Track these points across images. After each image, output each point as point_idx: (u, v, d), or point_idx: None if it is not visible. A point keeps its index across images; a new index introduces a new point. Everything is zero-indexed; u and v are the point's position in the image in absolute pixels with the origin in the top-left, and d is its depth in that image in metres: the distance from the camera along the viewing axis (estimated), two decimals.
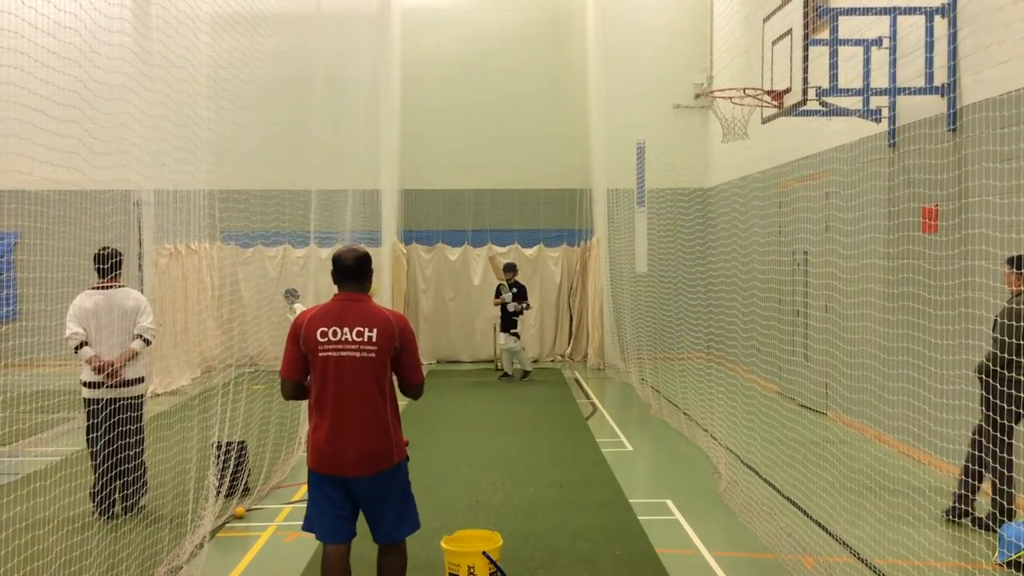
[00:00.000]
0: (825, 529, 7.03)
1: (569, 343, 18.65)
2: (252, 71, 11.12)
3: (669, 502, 7.98)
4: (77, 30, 6.37)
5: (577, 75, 18.18)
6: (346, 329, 4.72)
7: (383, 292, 15.79)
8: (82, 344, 7.32)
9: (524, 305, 15.84)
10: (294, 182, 14.66)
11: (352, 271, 4.89)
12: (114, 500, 7.40)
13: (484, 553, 5.61)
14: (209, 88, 10.33)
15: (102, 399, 7.30)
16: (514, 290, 15.84)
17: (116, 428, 7.19)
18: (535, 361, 18.24)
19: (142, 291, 12.80)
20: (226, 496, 7.62)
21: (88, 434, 7.38)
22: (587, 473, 9.10)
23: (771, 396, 12.92)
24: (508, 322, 15.68)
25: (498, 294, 15.84)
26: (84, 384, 7.42)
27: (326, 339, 4.72)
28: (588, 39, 17.87)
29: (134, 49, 8.34)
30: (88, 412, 7.40)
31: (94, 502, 7.35)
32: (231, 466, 7.78)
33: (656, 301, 15.72)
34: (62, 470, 7.14)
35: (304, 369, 4.81)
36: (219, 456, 7.67)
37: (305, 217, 14.40)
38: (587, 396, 14.28)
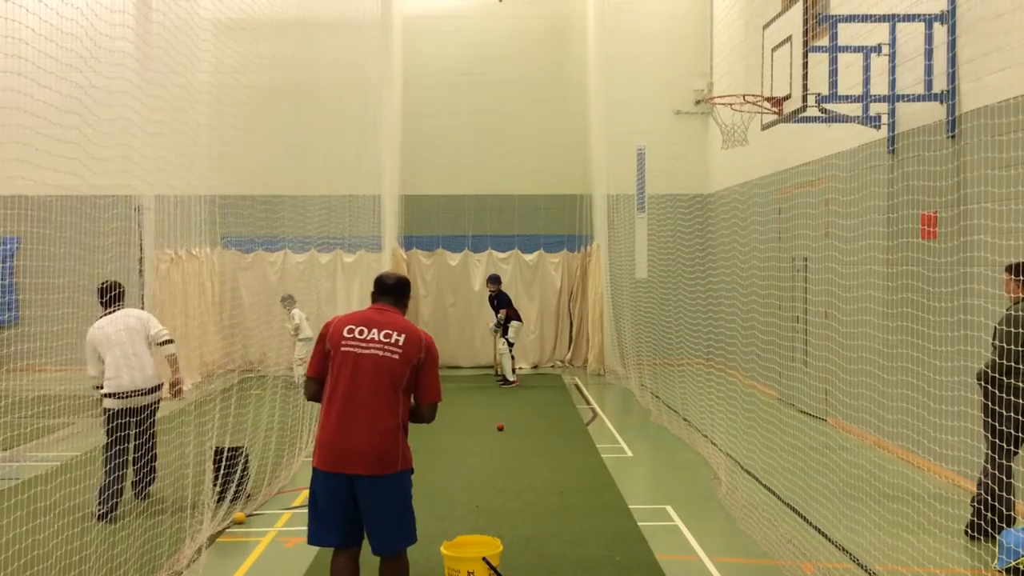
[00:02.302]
0: (825, 535, 7.03)
1: (569, 349, 18.66)
2: (253, 77, 11.14)
3: (669, 508, 7.98)
4: (79, 36, 6.38)
5: (577, 81, 18.21)
6: (374, 330, 4.84)
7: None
8: (99, 387, 7.78)
9: (499, 320, 15.94)
10: (295, 187, 14.67)
11: (391, 288, 5.09)
12: (116, 503, 7.45)
13: (484, 559, 5.62)
14: (210, 94, 10.35)
15: (124, 408, 7.63)
16: (495, 301, 16.03)
17: (136, 431, 7.73)
18: (535, 367, 18.28)
19: (142, 297, 12.84)
20: (228, 501, 7.62)
21: (109, 437, 7.56)
22: (587, 479, 9.09)
23: (771, 402, 12.92)
24: (504, 329, 15.95)
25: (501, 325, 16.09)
26: (108, 395, 7.67)
27: (351, 335, 4.83)
28: (589, 45, 17.91)
29: (135, 55, 8.38)
30: (108, 418, 7.60)
31: (100, 500, 7.41)
32: (231, 471, 7.79)
33: (656, 307, 15.73)
34: (62, 475, 7.14)
35: (327, 367, 4.88)
36: (219, 461, 7.67)
37: (306, 222, 14.44)
38: (587, 402, 14.28)
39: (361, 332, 4.84)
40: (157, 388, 7.96)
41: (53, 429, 10.16)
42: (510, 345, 15.87)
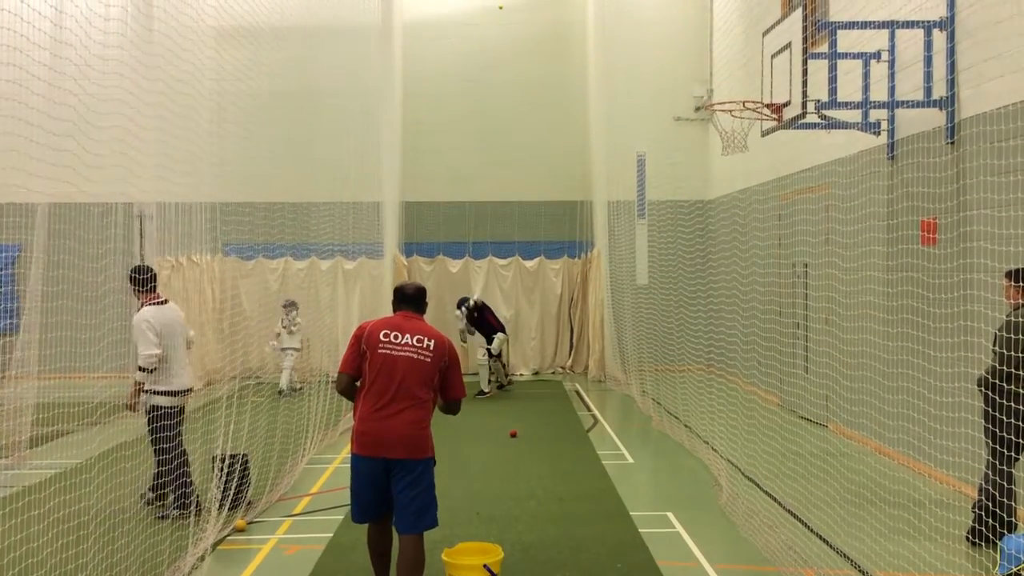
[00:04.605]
0: (826, 541, 7.02)
1: (570, 355, 18.66)
2: (254, 84, 11.15)
3: (670, 514, 7.98)
4: (74, 46, 6.40)
5: (578, 88, 18.25)
6: (407, 335, 5.55)
7: (387, 304, 15.76)
8: (151, 370, 7.58)
9: (463, 316, 15.75)
10: (296, 194, 14.69)
11: (412, 298, 5.81)
12: (194, 499, 7.50)
13: (485, 566, 5.62)
14: (212, 101, 10.36)
15: (175, 407, 7.75)
16: (464, 317, 15.80)
17: (180, 428, 7.84)
18: (536, 373, 18.28)
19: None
20: (229, 509, 7.60)
21: (164, 432, 7.54)
22: (588, 485, 9.09)
23: (772, 408, 12.91)
24: (488, 339, 15.71)
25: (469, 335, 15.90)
26: (165, 393, 7.66)
27: (387, 340, 5.52)
28: (589, 52, 17.95)
29: (136, 63, 8.39)
30: (159, 416, 7.58)
31: (179, 503, 7.53)
32: (233, 479, 7.78)
33: (657, 313, 15.73)
34: (61, 481, 7.13)
35: (360, 365, 5.54)
36: (221, 469, 7.66)
37: (307, 229, 14.45)
38: (588, 408, 14.27)
39: (396, 337, 5.52)
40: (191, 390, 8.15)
41: (53, 436, 10.16)
42: (492, 356, 15.64)
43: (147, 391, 7.62)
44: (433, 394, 5.61)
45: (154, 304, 7.76)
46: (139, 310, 7.76)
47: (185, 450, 7.84)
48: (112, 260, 8.83)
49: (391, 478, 5.46)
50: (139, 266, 8.12)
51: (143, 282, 7.77)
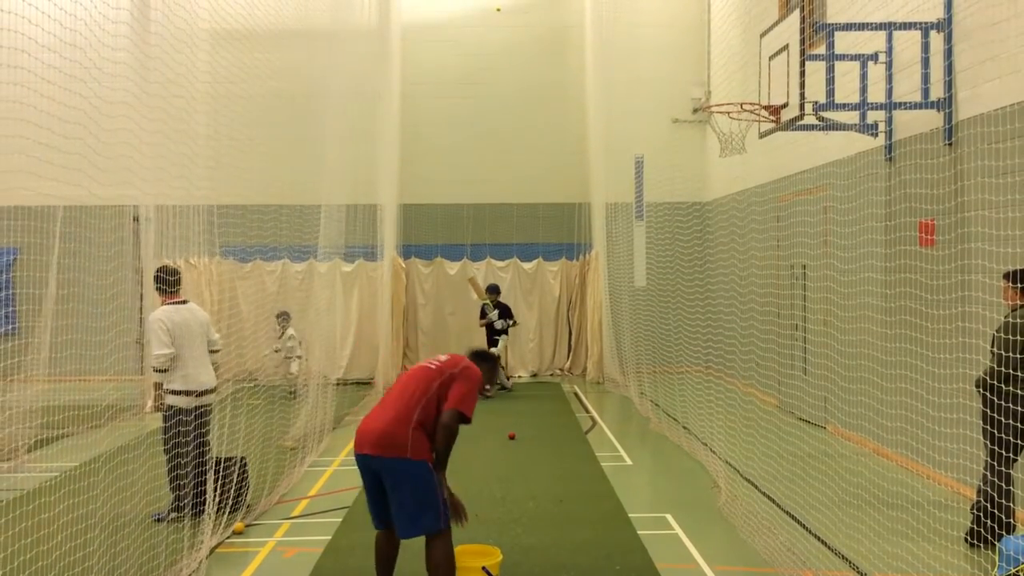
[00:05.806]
0: (825, 543, 7.03)
1: (568, 357, 18.66)
2: (250, 86, 11.15)
3: (669, 516, 7.98)
4: (80, 47, 6.40)
5: (576, 90, 18.26)
6: (440, 356, 5.89)
7: (385, 307, 15.79)
8: (164, 370, 7.66)
9: (511, 322, 16.05)
10: (293, 197, 14.68)
11: (476, 353, 6.04)
12: (198, 501, 7.44)
13: (484, 568, 5.62)
14: (207, 104, 10.36)
15: (194, 407, 7.70)
16: (497, 311, 15.99)
17: (202, 430, 7.78)
18: (534, 375, 18.29)
19: (142, 307, 12.83)
20: (229, 512, 7.59)
21: (176, 439, 7.50)
22: (586, 487, 9.09)
23: (770, 410, 12.92)
24: (490, 341, 15.82)
25: (483, 315, 15.95)
26: (181, 393, 7.68)
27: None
28: (587, 55, 17.96)
29: (135, 66, 8.39)
30: (173, 413, 7.60)
31: (190, 504, 7.45)
32: (231, 482, 7.77)
33: (655, 315, 15.74)
34: (64, 487, 7.11)
35: None
36: (219, 472, 7.65)
37: (304, 232, 14.45)
38: (586, 410, 14.27)
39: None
40: (214, 390, 8.10)
41: (53, 440, 10.15)
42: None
43: (165, 390, 7.72)
44: (426, 400, 5.43)
45: (171, 304, 7.86)
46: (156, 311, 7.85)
47: (199, 452, 7.75)
48: (119, 263, 8.83)
49: (384, 484, 5.42)
50: (162, 266, 8.17)
51: (161, 282, 7.93)
